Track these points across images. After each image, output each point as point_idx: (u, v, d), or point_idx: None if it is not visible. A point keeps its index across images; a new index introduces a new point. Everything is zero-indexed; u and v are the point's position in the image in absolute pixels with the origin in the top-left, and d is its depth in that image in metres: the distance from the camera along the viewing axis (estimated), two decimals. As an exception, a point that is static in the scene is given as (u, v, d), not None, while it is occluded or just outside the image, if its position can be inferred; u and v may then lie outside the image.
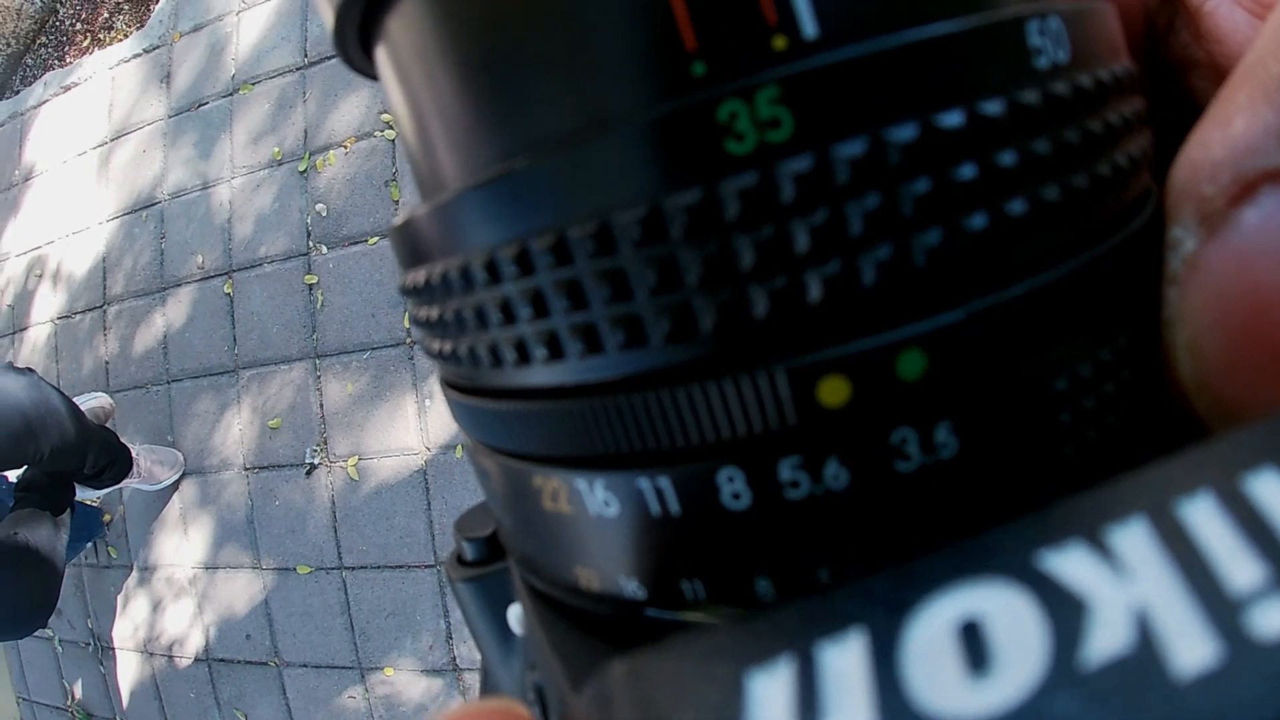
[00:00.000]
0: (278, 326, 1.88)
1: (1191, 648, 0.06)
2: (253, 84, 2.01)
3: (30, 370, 1.72)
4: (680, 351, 0.09)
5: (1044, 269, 0.09)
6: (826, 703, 0.07)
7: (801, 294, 0.08)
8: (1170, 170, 0.09)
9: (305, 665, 1.94)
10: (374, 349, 1.79)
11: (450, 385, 0.13)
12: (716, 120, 0.08)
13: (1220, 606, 0.06)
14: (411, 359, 1.77)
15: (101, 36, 2.47)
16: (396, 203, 1.76)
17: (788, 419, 0.08)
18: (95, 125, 2.30)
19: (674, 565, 0.10)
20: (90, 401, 2.07)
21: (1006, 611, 0.07)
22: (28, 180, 2.42)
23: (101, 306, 2.16)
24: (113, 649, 2.30)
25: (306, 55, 1.96)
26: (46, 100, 2.45)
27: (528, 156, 0.09)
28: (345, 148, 1.83)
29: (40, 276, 2.32)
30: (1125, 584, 0.07)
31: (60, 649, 2.40)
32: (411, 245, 0.12)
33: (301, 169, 1.87)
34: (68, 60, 2.54)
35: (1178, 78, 0.13)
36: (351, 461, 1.84)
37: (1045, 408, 0.09)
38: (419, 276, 0.12)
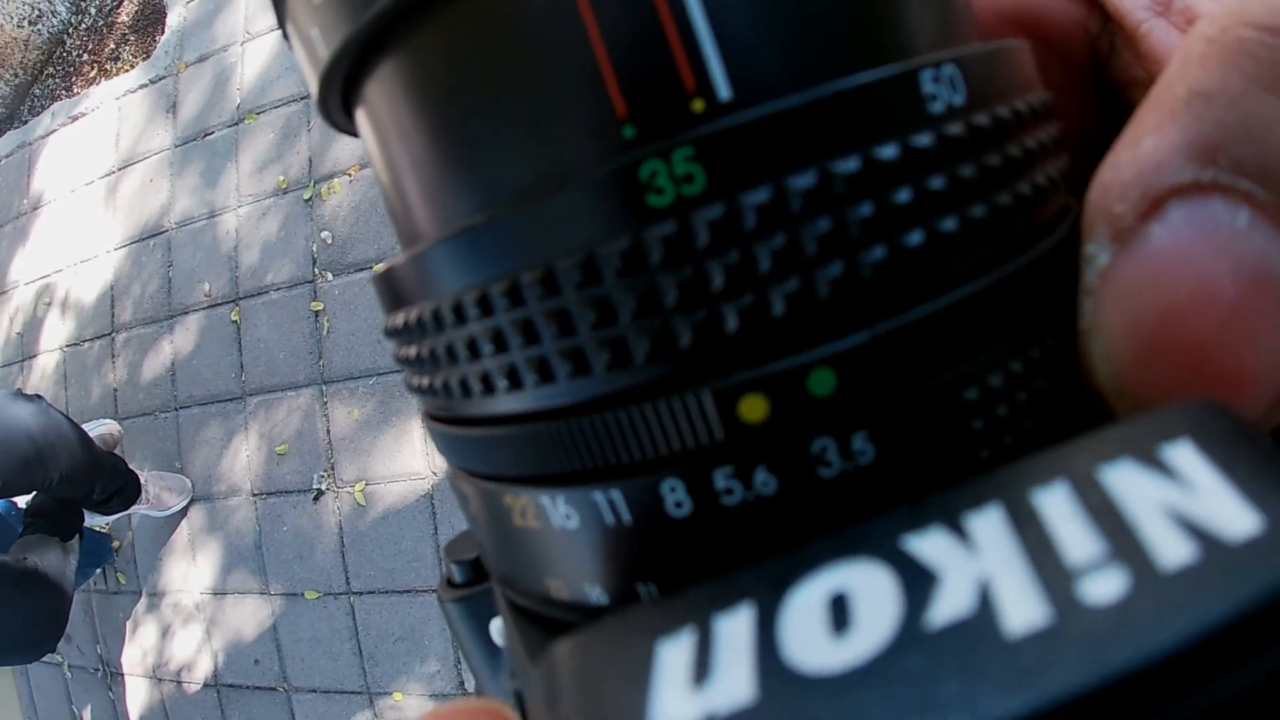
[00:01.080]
0: (284, 353, 1.89)
1: (1024, 611, 0.07)
2: (258, 113, 2.03)
3: (39, 397, 1.73)
4: (620, 378, 0.10)
5: (945, 291, 0.10)
6: (717, 662, 0.08)
7: (720, 324, 0.09)
8: (1086, 191, 0.10)
9: (314, 690, 1.94)
10: (380, 374, 1.80)
11: (431, 417, 0.14)
12: (639, 179, 0.09)
13: (1055, 577, 0.07)
14: (417, 384, 1.78)
15: (108, 67, 2.50)
16: (401, 229, 1.78)
17: (715, 434, 0.09)
18: (102, 155, 2.33)
19: (630, 571, 0.11)
20: (99, 428, 2.08)
21: (869, 585, 0.08)
22: (36, 209, 2.44)
23: (110, 334, 2.17)
24: (121, 675, 2.29)
25: (311, 85, 1.98)
26: (54, 130, 2.48)
27: (486, 213, 0.11)
28: (349, 175, 1.85)
29: (49, 304, 2.34)
30: (973, 559, 0.08)
31: (69, 674, 2.40)
32: (392, 292, 0.13)
33: (306, 197, 1.89)
34: (75, 90, 2.56)
35: (1122, 97, 0.14)
36: (359, 487, 1.84)
37: (956, 416, 0.10)
38: (398, 320, 0.13)
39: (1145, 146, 0.09)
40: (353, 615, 1.89)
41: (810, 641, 0.08)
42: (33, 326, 2.38)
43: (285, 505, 1.94)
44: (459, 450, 0.13)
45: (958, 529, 0.08)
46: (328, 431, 1.87)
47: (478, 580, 0.18)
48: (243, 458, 1.98)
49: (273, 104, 2.02)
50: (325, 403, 1.86)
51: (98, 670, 2.35)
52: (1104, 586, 0.07)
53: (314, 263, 1.85)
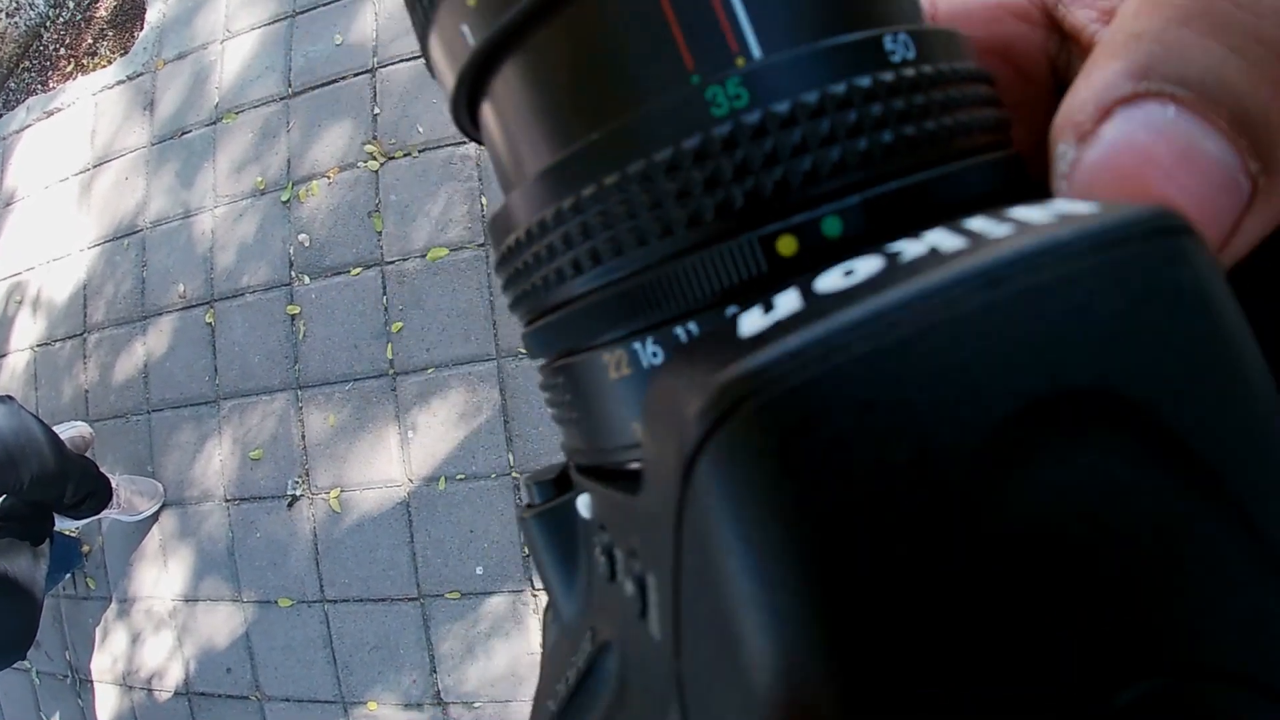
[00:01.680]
0: (259, 357, 1.86)
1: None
2: (236, 113, 2.00)
3: (9, 398, 1.70)
4: (693, 234, 0.13)
5: (908, 174, 0.14)
6: (778, 303, 0.11)
7: (762, 190, 0.13)
8: (1054, 120, 0.13)
9: (287, 699, 1.91)
10: (356, 380, 1.78)
11: (532, 323, 0.17)
12: (704, 99, 0.13)
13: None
14: (394, 390, 1.75)
15: (85, 62, 2.45)
16: (379, 234, 1.75)
17: (761, 267, 0.13)
18: (77, 151, 2.28)
19: None
20: (69, 430, 2.04)
21: (863, 262, 0.11)
22: (8, 206, 2.40)
23: (82, 334, 2.13)
24: (91, 682, 2.25)
25: (290, 85, 1.95)
26: (29, 125, 2.43)
27: (580, 143, 0.14)
28: (329, 178, 1.82)
29: (20, 303, 2.30)
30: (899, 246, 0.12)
31: (38, 681, 2.36)
32: (502, 223, 0.17)
33: (284, 199, 1.86)
34: (51, 85, 2.52)
35: None
36: (334, 493, 1.81)
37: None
38: (509, 240, 0.16)
39: (1096, 76, 0.12)
40: (327, 624, 1.86)
41: (831, 281, 0.11)
42: (2, 325, 2.34)
43: (259, 511, 1.91)
44: (564, 333, 0.16)
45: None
46: (303, 437, 1.84)
47: (558, 496, 0.20)
48: (216, 462, 1.95)
49: (252, 104, 1.99)
50: (300, 408, 1.83)
51: (66, 677, 2.30)
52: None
53: (291, 265, 1.82)
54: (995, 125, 0.15)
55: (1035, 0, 0.16)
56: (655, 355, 0.14)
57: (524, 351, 1.72)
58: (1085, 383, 0.09)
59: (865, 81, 0.13)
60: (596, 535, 0.17)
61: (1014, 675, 0.08)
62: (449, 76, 0.16)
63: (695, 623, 0.11)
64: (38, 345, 2.24)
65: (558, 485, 0.20)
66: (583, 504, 0.18)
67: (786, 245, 0.13)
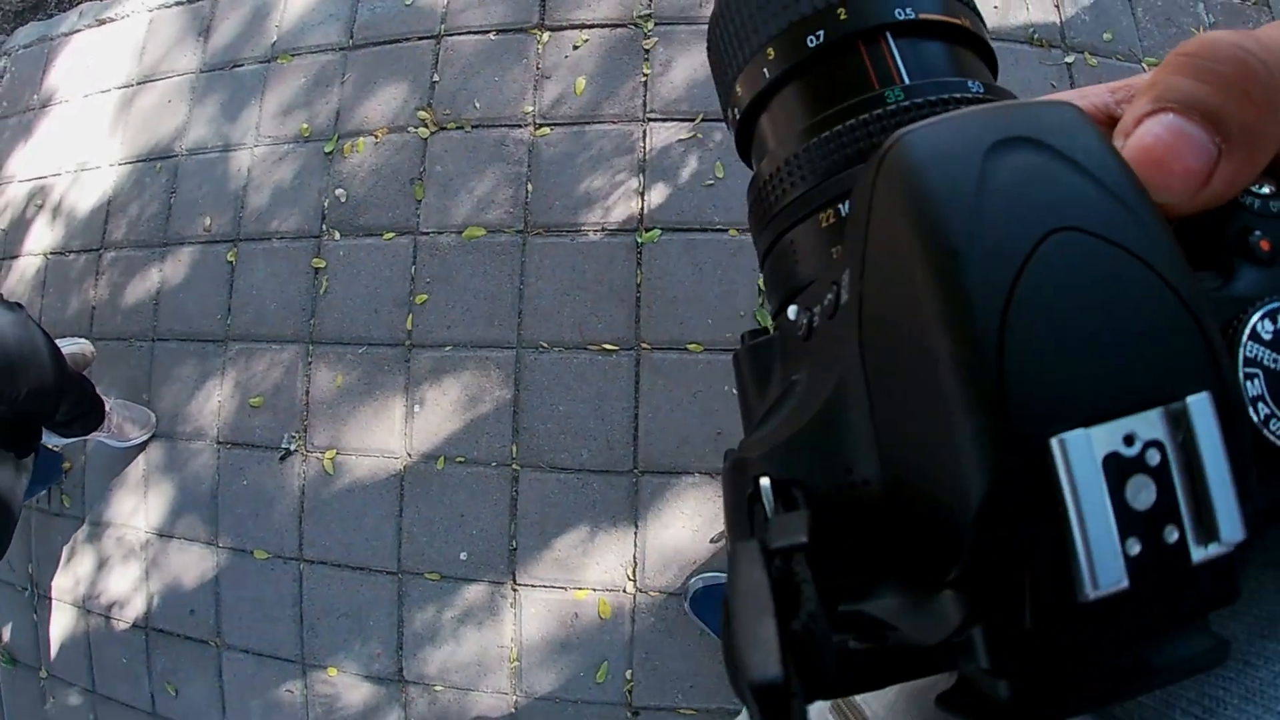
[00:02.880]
0: (276, 304, 1.82)
1: None
2: (292, 55, 1.96)
3: (20, 306, 1.66)
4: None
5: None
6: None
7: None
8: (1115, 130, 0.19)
9: (246, 651, 1.88)
10: (371, 345, 1.75)
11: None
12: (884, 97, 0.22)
13: None
14: (408, 362, 1.73)
15: (145, -24, 2.41)
16: (419, 202, 1.72)
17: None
18: (124, 65, 2.24)
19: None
20: (72, 346, 2.01)
21: None
22: (45, 107, 2.35)
23: (98, 250, 2.09)
24: (49, 598, 2.22)
25: (352, 37, 1.91)
26: (79, 30, 2.39)
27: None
28: (376, 137, 1.79)
29: (40, 207, 2.25)
30: None
31: (-6, 586, 2.33)
32: (768, 169, 0.24)
33: (328, 150, 1.83)
34: (107, -6, 2.47)
35: None
36: (329, 454, 1.78)
37: None
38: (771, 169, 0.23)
39: (1133, 105, 0.19)
40: (300, 582, 1.83)
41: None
42: (19, 226, 2.29)
43: (250, 459, 1.88)
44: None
45: None
46: (307, 393, 1.81)
47: (763, 336, 0.23)
48: (214, 403, 1.92)
49: (310, 49, 1.95)
50: (310, 363, 1.80)
51: (25, 590, 2.27)
52: None
53: (323, 219, 1.78)
54: None
55: (1098, 104, 0.22)
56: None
57: (545, 346, 1.70)
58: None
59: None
60: (795, 321, 0.21)
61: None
62: (748, 97, 0.24)
63: (878, 275, 0.16)
64: (51, 253, 2.20)
65: (762, 333, 0.23)
66: (791, 311, 0.21)
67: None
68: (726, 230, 1.68)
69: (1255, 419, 0.16)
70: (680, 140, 1.70)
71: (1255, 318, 0.16)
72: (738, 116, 0.25)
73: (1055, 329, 0.14)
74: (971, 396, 0.14)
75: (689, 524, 1.61)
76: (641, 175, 1.69)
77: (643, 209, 1.68)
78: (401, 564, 1.74)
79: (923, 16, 0.22)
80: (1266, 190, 0.18)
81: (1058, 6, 1.81)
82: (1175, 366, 0.14)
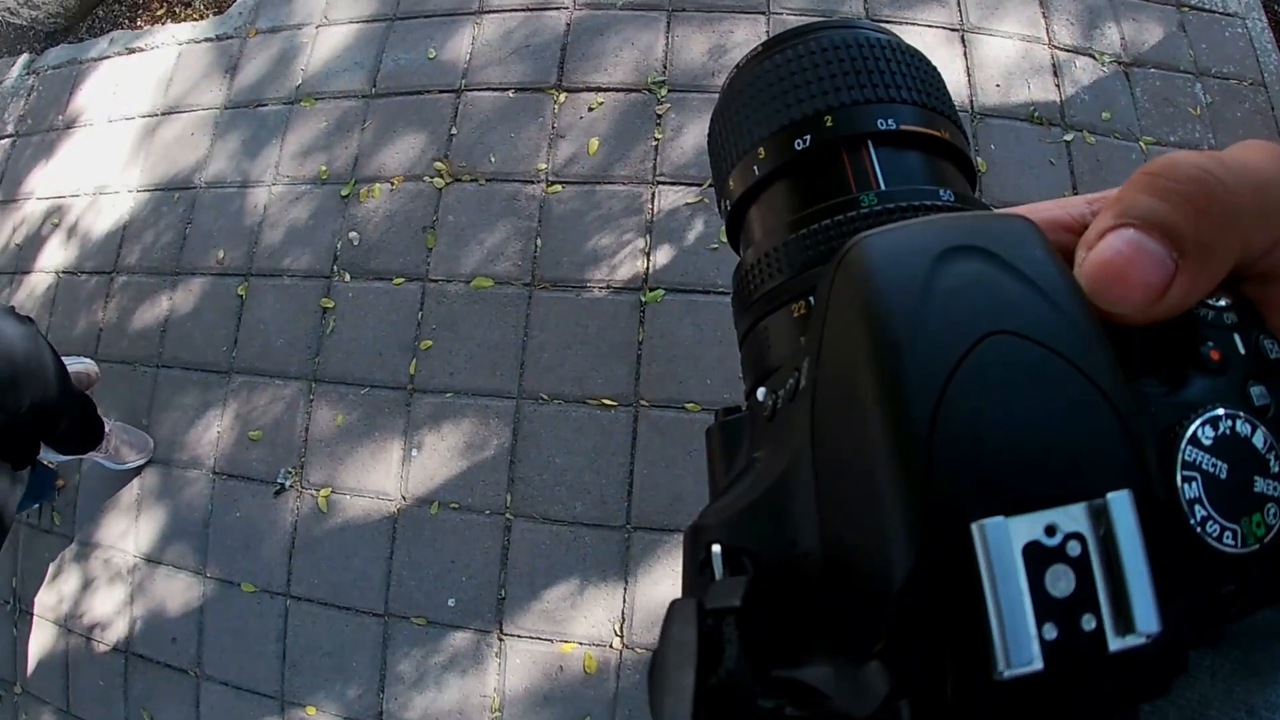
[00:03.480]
0: (282, 340, 1.85)
1: None
2: (316, 99, 2.01)
3: (31, 320, 1.68)
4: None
5: None
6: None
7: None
8: (1079, 242, 0.21)
9: (226, 684, 1.87)
10: (373, 386, 1.77)
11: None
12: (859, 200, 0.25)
13: None
14: (408, 405, 1.75)
15: (177, 10, 2.47)
16: (429, 250, 1.75)
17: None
18: (150, 95, 2.29)
19: None
20: (77, 365, 2.02)
21: None
22: (69, 129, 2.40)
23: (110, 273, 2.12)
24: (31, 614, 2.21)
25: (375, 86, 1.97)
26: (108, 56, 2.44)
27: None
28: (392, 184, 1.83)
29: (56, 226, 2.29)
30: None
31: (-25, 597, 2.31)
32: (750, 262, 0.26)
33: (344, 193, 1.87)
34: (139, 23, 2.53)
35: None
36: (324, 492, 1.80)
37: None
38: (754, 260, 0.25)
39: (1098, 220, 0.20)
40: (285, 618, 1.83)
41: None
42: (34, 243, 2.32)
43: (244, 491, 1.89)
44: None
45: None
46: (306, 429, 1.82)
47: (734, 414, 0.24)
48: (213, 433, 1.93)
49: (333, 94, 2.00)
50: (311, 400, 1.82)
51: (7, 603, 2.26)
52: None
53: (335, 260, 1.82)
54: None
55: (1075, 215, 0.23)
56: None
57: (545, 397, 1.72)
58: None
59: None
60: (762, 403, 0.22)
61: None
62: (739, 190, 0.26)
63: (831, 364, 0.18)
64: (63, 271, 2.23)
65: (735, 411, 0.24)
66: (760, 393, 0.23)
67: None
68: (728, 294, 1.71)
69: (1192, 520, 0.17)
70: (687, 204, 1.74)
71: (1196, 423, 0.17)
72: (729, 207, 0.27)
73: (984, 423, 0.15)
74: (901, 479, 0.15)
75: (679, 582, 1.62)
76: (648, 236, 1.73)
77: (648, 269, 1.72)
78: (389, 606, 1.74)
79: (904, 128, 0.24)
80: (1222, 303, 0.20)
81: (1058, 85, 1.88)
82: (1100, 464, 0.16)
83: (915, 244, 0.18)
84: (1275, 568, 0.17)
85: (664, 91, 1.83)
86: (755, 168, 0.25)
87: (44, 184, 2.37)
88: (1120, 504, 0.15)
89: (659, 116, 1.81)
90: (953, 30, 1.95)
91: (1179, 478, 0.17)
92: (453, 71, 1.92)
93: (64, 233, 2.27)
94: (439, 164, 1.82)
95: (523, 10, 2.00)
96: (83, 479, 2.14)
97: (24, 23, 2.71)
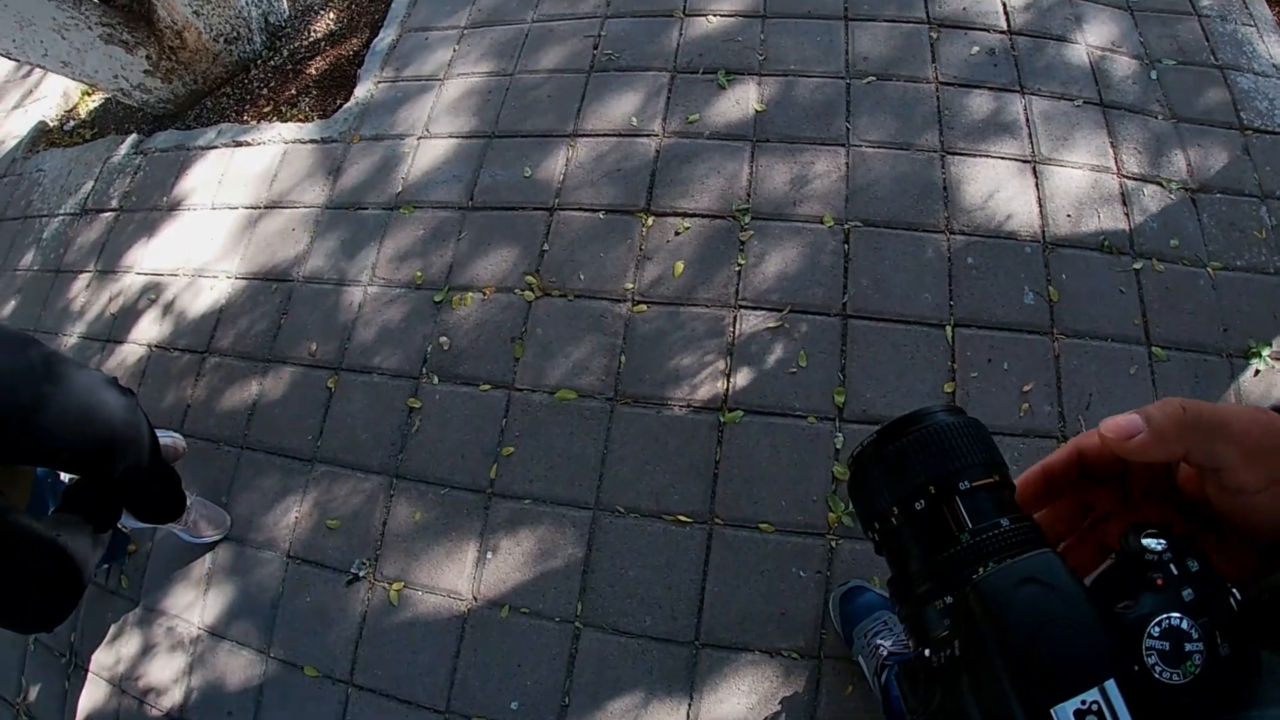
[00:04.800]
0: (367, 435, 1.93)
1: None
2: (414, 207, 2.13)
3: (132, 393, 1.77)
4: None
5: None
6: None
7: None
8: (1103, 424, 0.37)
9: (279, 765, 1.89)
10: (453, 488, 1.83)
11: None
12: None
13: None
14: (487, 509, 1.81)
15: (284, 109, 2.63)
16: (516, 360, 1.83)
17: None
18: (254, 187, 2.43)
19: None
20: (166, 438, 2.11)
21: None
22: (173, 210, 2.54)
23: (203, 353, 2.23)
24: (86, 670, 2.25)
25: (472, 199, 2.08)
26: (215, 146, 2.60)
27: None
28: (484, 294, 1.93)
29: (154, 302, 2.41)
30: None
31: (32, 646, 2.36)
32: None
33: (437, 299, 1.96)
34: (245, 117, 2.70)
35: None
36: (396, 586, 1.85)
37: None
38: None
39: (1123, 417, 0.36)
40: (345, 706, 1.86)
41: None
42: (129, 314, 2.45)
43: (317, 577, 1.94)
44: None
45: None
46: (384, 523, 1.88)
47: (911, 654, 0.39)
48: (291, 517, 2.00)
49: (431, 204, 2.12)
50: (392, 495, 1.88)
51: (63, 656, 2.31)
52: None
53: (424, 362, 1.90)
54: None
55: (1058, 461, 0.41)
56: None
57: (621, 510, 1.78)
58: None
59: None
60: (930, 658, 0.36)
61: None
62: (881, 532, 0.41)
63: (970, 645, 0.33)
64: (156, 346, 2.34)
65: (910, 655, 0.39)
66: (927, 652, 0.37)
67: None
68: (805, 417, 1.76)
69: (1155, 673, 0.31)
70: (768, 329, 1.81)
71: (1151, 625, 0.32)
72: (875, 538, 0.41)
73: (1044, 652, 0.31)
74: (1017, 689, 0.31)
75: (744, 701, 1.64)
76: (729, 358, 1.80)
77: (727, 389, 1.78)
78: (450, 704, 1.77)
79: (974, 484, 0.38)
80: (1160, 546, 0.34)
81: (1127, 214, 1.93)
82: (1100, 663, 0.31)
83: (1003, 581, 0.34)
84: (1202, 690, 0.31)
85: (747, 218, 1.92)
86: (893, 519, 0.39)
87: (144, 260, 2.50)
88: (1111, 688, 0.30)
89: (742, 243, 1.89)
90: (1024, 162, 2.02)
91: (1144, 654, 0.31)
92: (547, 190, 2.03)
93: (160, 309, 2.39)
94: (530, 278, 1.92)
95: (615, 135, 2.11)
96: (155, 547, 2.20)
97: (135, 104, 2.90)
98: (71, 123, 3.37)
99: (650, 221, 1.95)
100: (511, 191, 2.07)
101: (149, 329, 2.38)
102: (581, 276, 1.89)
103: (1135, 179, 1.99)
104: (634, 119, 2.14)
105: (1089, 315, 1.80)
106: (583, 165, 2.06)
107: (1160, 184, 1.98)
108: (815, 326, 1.81)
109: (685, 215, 1.95)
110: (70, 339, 2.50)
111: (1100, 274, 1.84)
